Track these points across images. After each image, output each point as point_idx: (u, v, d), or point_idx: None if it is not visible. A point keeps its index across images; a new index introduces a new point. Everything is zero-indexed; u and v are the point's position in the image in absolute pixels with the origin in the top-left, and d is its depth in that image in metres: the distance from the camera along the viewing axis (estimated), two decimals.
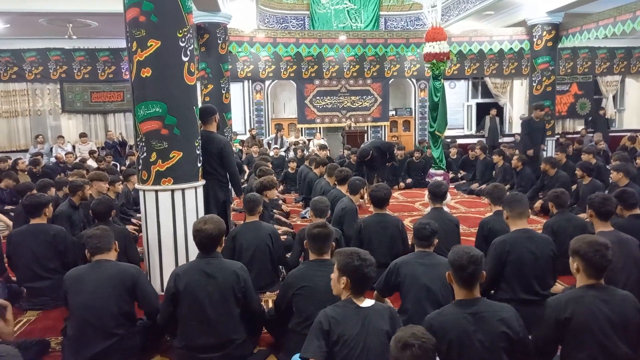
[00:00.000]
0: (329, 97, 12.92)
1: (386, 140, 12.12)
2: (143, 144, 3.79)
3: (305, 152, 10.24)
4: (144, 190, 3.85)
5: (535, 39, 9.52)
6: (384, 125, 13.31)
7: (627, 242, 3.15)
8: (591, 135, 11.40)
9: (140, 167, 3.87)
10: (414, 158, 9.42)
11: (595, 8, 8.75)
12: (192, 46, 3.92)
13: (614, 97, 14.10)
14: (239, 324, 2.88)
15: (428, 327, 2.17)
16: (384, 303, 2.73)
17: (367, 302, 2.25)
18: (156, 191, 3.81)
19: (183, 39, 3.79)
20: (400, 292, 3.03)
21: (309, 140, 12.13)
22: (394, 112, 13.49)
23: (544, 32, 9.36)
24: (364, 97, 13.10)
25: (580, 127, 13.44)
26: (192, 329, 2.75)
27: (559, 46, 9.94)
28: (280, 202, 7.22)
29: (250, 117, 12.55)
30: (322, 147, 9.84)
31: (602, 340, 2.16)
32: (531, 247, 3.18)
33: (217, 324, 2.75)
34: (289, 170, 8.90)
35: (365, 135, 12.57)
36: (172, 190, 3.82)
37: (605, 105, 13.78)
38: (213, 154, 4.33)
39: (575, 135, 12.43)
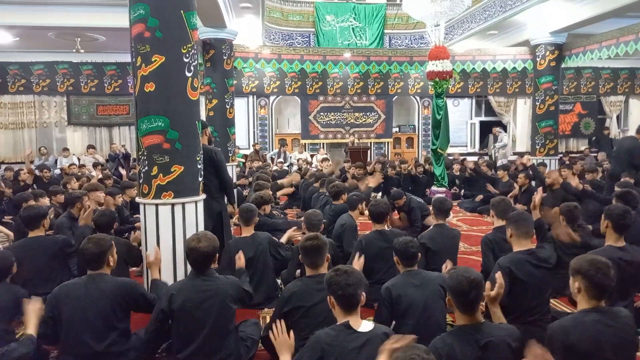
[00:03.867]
0: (332, 113, 13.00)
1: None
2: (145, 157, 3.80)
3: (309, 166, 10.27)
4: (144, 204, 3.85)
5: (538, 59, 9.57)
6: (387, 142, 13.36)
7: (635, 262, 3.14)
8: (594, 154, 11.39)
9: (141, 181, 3.89)
10: (417, 173, 9.41)
11: (598, 29, 8.81)
12: (196, 62, 3.96)
13: (618, 117, 14.12)
14: (235, 341, 2.86)
15: (434, 352, 2.15)
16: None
17: (365, 326, 2.15)
18: (157, 205, 3.80)
19: (187, 55, 3.83)
20: (396, 316, 2.98)
21: (312, 155, 12.17)
22: (397, 129, 13.55)
23: (547, 52, 9.41)
24: (368, 113, 13.18)
25: (583, 146, 13.45)
26: (188, 347, 2.73)
27: (562, 66, 9.98)
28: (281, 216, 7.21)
29: (254, 132, 12.63)
30: (324, 160, 9.87)
31: None
32: (533, 269, 3.14)
33: (213, 342, 2.73)
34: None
35: (369, 151, 12.62)
36: (173, 204, 3.82)
37: (609, 125, 13.79)
38: (207, 164, 4.36)
39: (578, 154, 12.41)
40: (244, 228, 4.18)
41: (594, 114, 13.92)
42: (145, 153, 3.80)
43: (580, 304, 2.26)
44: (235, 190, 8.16)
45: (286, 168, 10.89)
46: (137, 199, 3.98)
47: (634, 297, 3.46)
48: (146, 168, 3.80)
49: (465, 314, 2.17)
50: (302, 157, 11.43)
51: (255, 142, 12.20)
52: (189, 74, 3.84)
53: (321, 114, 12.94)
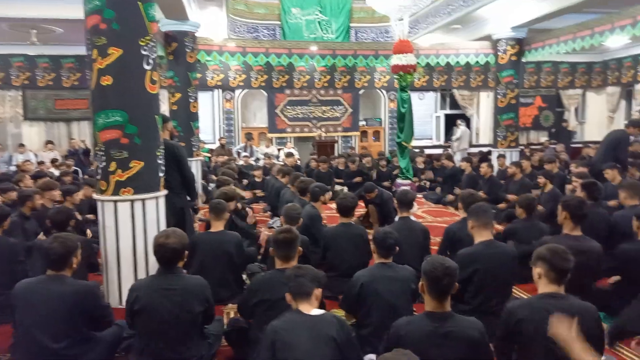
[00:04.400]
0: (299, 107, 12.96)
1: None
2: (102, 153, 3.71)
3: (274, 160, 10.22)
4: (102, 201, 3.76)
5: (500, 53, 9.77)
6: (355, 135, 13.42)
7: (588, 251, 3.26)
8: (554, 146, 11.75)
9: (99, 177, 3.78)
10: (380, 167, 9.51)
11: (556, 24, 9.05)
12: (155, 55, 3.87)
13: (576, 110, 14.58)
14: (199, 340, 2.83)
15: (394, 333, 2.21)
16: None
17: (317, 311, 2.25)
18: (115, 201, 3.72)
19: (145, 48, 3.74)
20: (362, 306, 3.01)
21: (279, 149, 12.11)
22: (364, 122, 13.62)
23: (508, 47, 9.62)
24: (335, 107, 13.19)
25: (544, 138, 13.84)
26: (151, 346, 2.68)
27: (523, 60, 10.22)
28: (248, 210, 7.15)
29: (220, 126, 12.47)
30: (289, 155, 9.83)
31: (553, 349, 2.18)
32: (494, 259, 3.22)
33: (177, 341, 2.69)
34: (255, 178, 8.84)
35: (336, 145, 12.65)
36: (132, 201, 3.74)
37: (567, 117, 14.24)
38: (168, 159, 4.27)
39: (539, 146, 12.77)
40: (214, 223, 4.12)
41: (553, 107, 14.34)
42: (102, 148, 3.71)
43: (539, 289, 2.35)
44: (201, 186, 8.08)
45: (252, 162, 10.80)
46: (95, 196, 3.87)
47: (591, 286, 3.58)
48: (104, 164, 3.71)
49: (435, 300, 2.22)
50: (268, 151, 11.36)
51: (221, 136, 12.04)
52: (147, 67, 3.76)
53: (288, 107, 12.88)
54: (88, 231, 4.80)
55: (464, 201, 4.18)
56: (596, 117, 14.45)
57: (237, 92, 12.50)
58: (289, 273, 2.34)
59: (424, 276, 2.24)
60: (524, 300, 2.40)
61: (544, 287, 2.33)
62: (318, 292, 2.27)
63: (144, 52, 3.72)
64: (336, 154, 11.79)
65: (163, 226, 3.94)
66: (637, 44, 12.01)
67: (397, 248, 3.12)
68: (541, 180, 6.30)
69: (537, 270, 2.35)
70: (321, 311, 2.27)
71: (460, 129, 12.84)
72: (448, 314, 2.23)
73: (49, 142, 10.86)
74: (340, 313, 3.50)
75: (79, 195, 5.16)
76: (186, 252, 2.80)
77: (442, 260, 2.24)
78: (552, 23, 8.97)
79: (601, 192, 4.33)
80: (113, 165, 3.68)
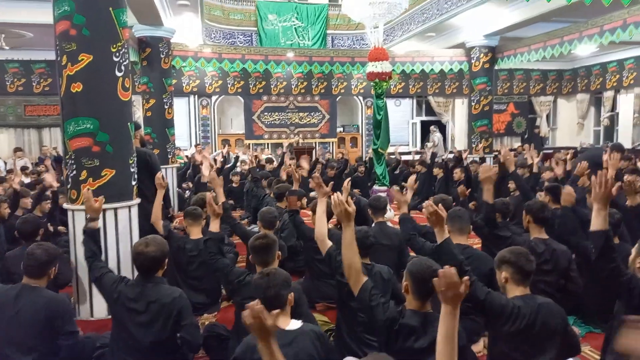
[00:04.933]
0: (277, 113, 12.94)
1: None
2: (72, 161, 3.64)
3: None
4: (72, 210, 3.68)
5: (473, 61, 9.95)
6: (332, 142, 13.46)
7: (559, 252, 3.35)
8: (526, 152, 11.97)
9: (69, 186, 3.70)
10: (358, 172, 9.53)
11: (527, 33, 9.27)
12: (127, 61, 3.82)
13: (548, 117, 14.92)
14: (173, 351, 2.77)
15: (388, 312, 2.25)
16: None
17: (294, 325, 2.16)
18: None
19: (117, 54, 3.69)
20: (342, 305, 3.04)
21: (255, 156, 12.04)
22: (341, 129, 13.68)
23: (481, 54, 9.80)
24: (312, 113, 13.22)
25: (517, 144, 14.11)
26: (122, 356, 2.62)
27: (495, 68, 10.43)
28: None
29: (196, 132, 12.35)
30: (269, 161, 9.79)
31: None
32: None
33: (149, 351, 2.63)
34: (233, 184, 8.76)
35: (314, 151, 12.66)
36: (104, 210, 3.66)
37: (539, 123, 14.56)
38: (141, 167, 4.21)
39: (512, 152, 12.99)
40: (191, 230, 4.06)
41: (525, 114, 14.65)
42: (72, 157, 3.64)
43: (509, 293, 2.41)
44: (176, 193, 7.97)
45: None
46: (65, 205, 3.78)
47: (560, 287, 3.65)
48: (74, 172, 3.64)
49: (418, 300, 2.25)
50: (245, 158, 11.28)
51: (198, 142, 11.92)
52: (119, 74, 3.70)
53: (265, 113, 12.85)
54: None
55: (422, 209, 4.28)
56: (567, 124, 14.81)
57: (214, 98, 12.42)
58: (257, 282, 2.20)
59: (409, 277, 2.25)
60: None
61: (513, 290, 2.39)
62: (291, 296, 2.22)
63: (115, 59, 3.67)
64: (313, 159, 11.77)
65: (136, 236, 3.87)
66: (605, 53, 12.38)
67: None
68: (511, 185, 6.39)
69: (503, 275, 2.41)
70: (298, 324, 2.18)
71: (437, 136, 13.00)
72: (430, 314, 2.25)
73: (18, 149, 10.58)
74: (321, 317, 3.51)
75: (49, 204, 5.02)
76: (166, 260, 2.74)
77: (430, 263, 2.26)
78: (523, 32, 9.18)
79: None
80: (84, 174, 3.61)
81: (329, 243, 2.76)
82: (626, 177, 6.13)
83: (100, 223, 3.63)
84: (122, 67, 3.73)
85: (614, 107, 13.17)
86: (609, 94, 13.11)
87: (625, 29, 7.02)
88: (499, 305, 2.37)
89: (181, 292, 2.79)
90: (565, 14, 7.73)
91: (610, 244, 2.41)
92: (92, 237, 3.07)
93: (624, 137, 12.05)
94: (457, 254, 2.53)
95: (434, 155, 9.57)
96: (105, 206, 3.65)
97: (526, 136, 14.30)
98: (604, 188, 2.33)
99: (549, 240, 3.45)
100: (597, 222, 2.40)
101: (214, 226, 3.16)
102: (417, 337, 2.20)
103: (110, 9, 3.63)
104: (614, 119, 13.24)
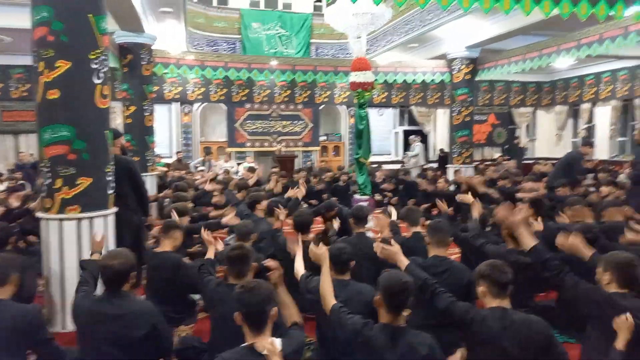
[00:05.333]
0: (259, 121, 12.91)
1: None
2: (47, 169, 3.56)
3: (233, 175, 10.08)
4: (46, 219, 3.59)
5: (454, 72, 10.07)
6: (315, 151, 13.46)
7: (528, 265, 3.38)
8: (506, 162, 12.14)
9: (43, 195, 3.62)
10: (340, 182, 9.54)
11: (507, 45, 9.44)
12: (106, 68, 3.77)
13: (527, 127, 15.16)
14: None
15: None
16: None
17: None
18: (60, 220, 3.56)
19: (96, 61, 3.64)
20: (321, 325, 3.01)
21: (239, 164, 11.98)
22: (324, 138, 13.70)
23: (463, 66, 9.93)
24: (295, 122, 13.21)
25: (497, 154, 14.28)
26: None
27: (477, 79, 10.57)
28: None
29: (177, 139, 12.23)
30: (251, 170, 9.72)
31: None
32: (444, 276, 3.25)
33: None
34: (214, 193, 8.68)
35: (296, 160, 12.64)
36: (79, 219, 3.60)
37: (519, 134, 14.79)
38: (122, 175, 4.14)
39: (492, 162, 13.16)
40: (162, 242, 3.98)
41: (506, 124, 14.87)
42: (48, 164, 3.56)
43: (486, 305, 2.43)
44: (156, 202, 7.86)
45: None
46: (38, 214, 3.70)
47: (534, 298, 3.69)
48: (49, 181, 3.56)
49: (390, 313, 2.24)
50: (227, 166, 11.21)
51: (179, 150, 11.82)
52: (97, 81, 3.65)
53: (248, 122, 12.80)
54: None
55: (406, 219, 4.36)
56: (546, 135, 15.07)
57: (196, 105, 12.33)
58: (240, 296, 2.11)
59: (381, 290, 2.25)
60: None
61: (490, 303, 2.41)
62: (274, 312, 2.15)
63: (94, 66, 3.62)
64: (296, 168, 11.76)
65: (112, 246, 3.80)
66: (583, 66, 12.67)
67: (353, 262, 3.12)
68: (494, 194, 6.50)
69: (480, 289, 2.44)
70: (278, 342, 2.07)
71: (418, 146, 13.08)
72: (402, 328, 2.25)
73: None
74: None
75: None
76: (132, 274, 2.67)
77: (400, 276, 2.28)
78: (504, 44, 9.34)
79: (543, 207, 4.51)
80: (59, 182, 3.54)
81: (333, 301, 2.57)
82: (602, 189, 6.29)
83: (74, 233, 3.60)
84: (101, 75, 3.67)
85: (591, 119, 13.44)
86: (586, 106, 13.39)
87: (602, 43, 7.19)
88: (459, 314, 2.42)
89: (150, 303, 2.75)
90: (544, 27, 7.90)
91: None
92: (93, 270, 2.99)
93: (601, 148, 12.30)
94: (419, 274, 2.75)
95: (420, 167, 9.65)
96: (80, 215, 3.59)
97: (506, 147, 14.50)
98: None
99: (523, 251, 3.48)
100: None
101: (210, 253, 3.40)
102: (384, 351, 2.19)
103: (90, 15, 3.59)
104: (591, 131, 13.51)
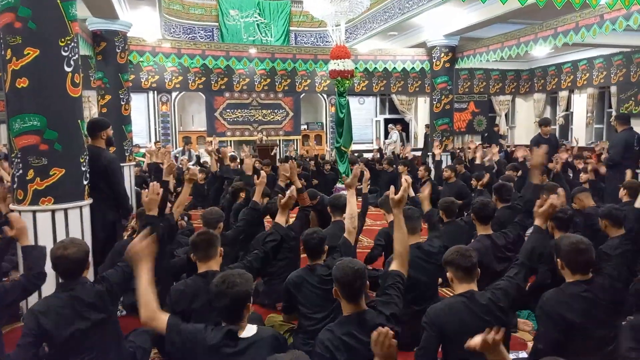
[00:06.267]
0: (239, 110, 12.79)
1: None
2: (19, 160, 3.47)
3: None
4: (19, 211, 3.50)
5: (434, 60, 10.09)
6: (296, 139, 13.42)
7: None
8: (485, 149, 12.26)
9: (15, 186, 3.53)
10: (324, 170, 9.55)
11: (486, 34, 9.47)
12: (77, 56, 3.67)
13: (507, 115, 15.32)
14: (122, 354, 2.69)
15: (320, 344, 2.19)
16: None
17: (248, 331, 2.08)
18: (34, 212, 3.49)
19: (66, 48, 3.54)
20: (297, 309, 3.06)
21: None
22: (305, 126, 13.65)
23: (442, 54, 9.95)
24: (276, 110, 13.13)
25: (477, 142, 14.42)
26: None
27: (456, 67, 10.61)
28: (185, 218, 6.94)
29: (155, 129, 12.06)
30: (233, 159, 9.65)
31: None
32: (422, 262, 3.31)
33: (99, 354, 2.54)
34: (199, 182, 8.59)
35: (277, 148, 12.58)
36: (53, 211, 3.52)
37: (499, 122, 14.93)
38: (99, 171, 4.04)
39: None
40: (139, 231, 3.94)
41: (485, 112, 15.00)
42: (19, 155, 3.48)
43: (455, 291, 2.48)
44: (134, 192, 7.75)
45: (192, 166, 10.52)
46: (12, 206, 3.61)
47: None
48: (20, 172, 3.48)
49: (351, 302, 2.25)
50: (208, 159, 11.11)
51: (157, 140, 11.66)
52: (68, 69, 3.56)
53: (228, 110, 12.68)
54: None
55: (384, 206, 4.44)
56: (525, 122, 15.25)
57: (174, 94, 12.16)
58: (215, 290, 2.07)
59: (336, 282, 2.26)
60: (444, 302, 2.50)
61: (458, 288, 2.45)
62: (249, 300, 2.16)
63: (64, 53, 3.52)
64: (278, 157, 11.72)
65: (88, 237, 3.73)
66: (560, 54, 12.81)
67: (326, 247, 3.15)
68: (474, 182, 6.59)
69: (448, 275, 2.49)
70: (253, 329, 2.10)
71: (395, 133, 13.13)
72: (365, 312, 2.26)
73: None
74: (278, 318, 3.48)
75: None
76: (89, 260, 2.65)
77: (351, 264, 2.27)
78: (482, 32, 9.37)
79: (511, 194, 4.56)
80: (31, 173, 3.46)
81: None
82: (582, 176, 6.38)
83: (49, 225, 3.52)
84: (72, 62, 3.58)
85: (568, 106, 13.64)
86: (563, 94, 13.58)
87: (578, 31, 7.26)
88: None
89: (100, 287, 2.69)
90: (521, 16, 7.94)
91: None
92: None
93: (578, 135, 12.48)
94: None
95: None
96: (54, 207, 3.52)
97: (486, 134, 14.64)
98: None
99: (492, 234, 3.60)
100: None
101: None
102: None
103: (59, 1, 3.48)
104: (568, 118, 13.72)
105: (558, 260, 2.55)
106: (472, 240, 3.84)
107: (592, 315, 2.40)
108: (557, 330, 2.39)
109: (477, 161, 7.65)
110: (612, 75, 11.80)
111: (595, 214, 3.99)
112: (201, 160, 11.01)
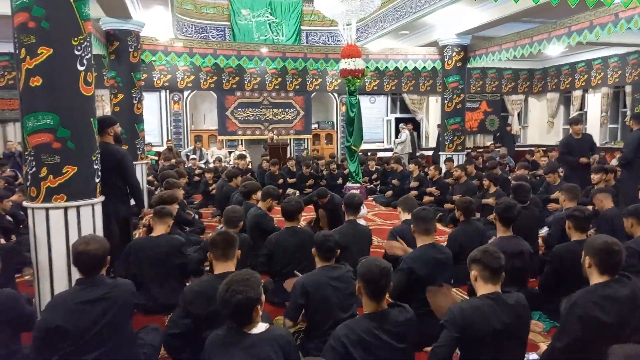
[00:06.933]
0: (250, 109, 12.83)
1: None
2: (32, 158, 3.51)
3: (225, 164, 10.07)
4: (32, 209, 3.55)
5: (446, 59, 10.03)
6: (307, 138, 13.42)
7: (519, 252, 3.42)
8: (498, 149, 12.18)
9: (28, 184, 3.58)
10: (331, 170, 9.55)
11: (498, 32, 9.40)
12: (89, 55, 3.70)
13: (519, 115, 15.19)
14: (133, 351, 2.71)
15: (336, 338, 2.20)
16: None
17: (259, 328, 2.06)
18: (47, 209, 3.52)
19: (79, 47, 3.57)
20: (307, 312, 3.00)
21: (230, 152, 11.93)
22: (316, 125, 13.65)
23: (454, 53, 9.88)
24: (287, 109, 13.15)
25: (489, 142, 14.33)
26: None
27: (468, 66, 10.54)
28: (195, 216, 6.98)
29: (167, 128, 12.14)
30: (241, 157, 9.70)
31: (494, 350, 2.28)
32: (436, 260, 3.28)
33: (108, 356, 2.56)
34: (207, 181, 8.66)
35: (288, 147, 12.60)
36: (66, 208, 3.56)
37: (511, 122, 14.81)
38: (111, 166, 4.10)
39: (484, 149, 13.19)
40: (156, 227, 4.02)
41: (498, 112, 14.89)
42: (32, 153, 3.52)
43: (478, 291, 2.42)
44: (146, 190, 7.82)
45: (202, 165, 10.59)
46: (24, 203, 3.66)
47: (526, 284, 3.72)
48: (34, 169, 3.52)
49: (374, 300, 2.26)
50: (220, 154, 11.17)
51: (169, 138, 11.74)
52: (81, 68, 3.59)
53: (239, 109, 12.72)
54: (13, 237, 4.53)
55: (402, 204, 4.39)
56: (537, 122, 15.11)
57: (186, 93, 12.23)
58: (219, 297, 2.04)
59: (360, 279, 2.26)
60: (468, 301, 2.44)
61: (482, 288, 2.40)
62: (263, 298, 2.13)
63: (77, 52, 3.55)
64: (288, 156, 11.74)
65: (100, 234, 3.76)
66: (574, 53, 12.67)
67: (339, 251, 3.13)
68: (486, 182, 6.55)
69: (473, 273, 2.43)
70: (264, 326, 2.08)
71: (405, 133, 13.08)
72: (389, 311, 2.27)
73: None
74: (287, 324, 3.47)
75: (10, 202, 4.85)
76: (108, 257, 2.68)
77: (377, 262, 2.27)
78: (495, 31, 9.30)
79: (528, 194, 4.52)
80: (44, 171, 3.49)
81: None
82: (593, 176, 6.29)
83: (62, 222, 3.56)
84: (84, 61, 3.61)
85: (582, 106, 13.48)
86: (577, 93, 13.42)
87: (592, 30, 7.17)
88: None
89: (129, 282, 2.75)
90: (534, 14, 7.86)
91: None
92: None
93: (593, 135, 12.33)
94: None
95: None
96: (67, 204, 3.56)
97: (498, 134, 14.53)
98: None
99: (513, 237, 3.54)
100: None
101: None
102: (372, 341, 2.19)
103: (72, 1, 3.51)
104: (582, 118, 13.55)
105: (586, 259, 2.47)
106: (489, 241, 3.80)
107: (624, 316, 2.33)
108: (585, 331, 2.32)
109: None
110: (627, 75, 11.64)
111: (611, 215, 3.94)
112: (207, 160, 11.08)
